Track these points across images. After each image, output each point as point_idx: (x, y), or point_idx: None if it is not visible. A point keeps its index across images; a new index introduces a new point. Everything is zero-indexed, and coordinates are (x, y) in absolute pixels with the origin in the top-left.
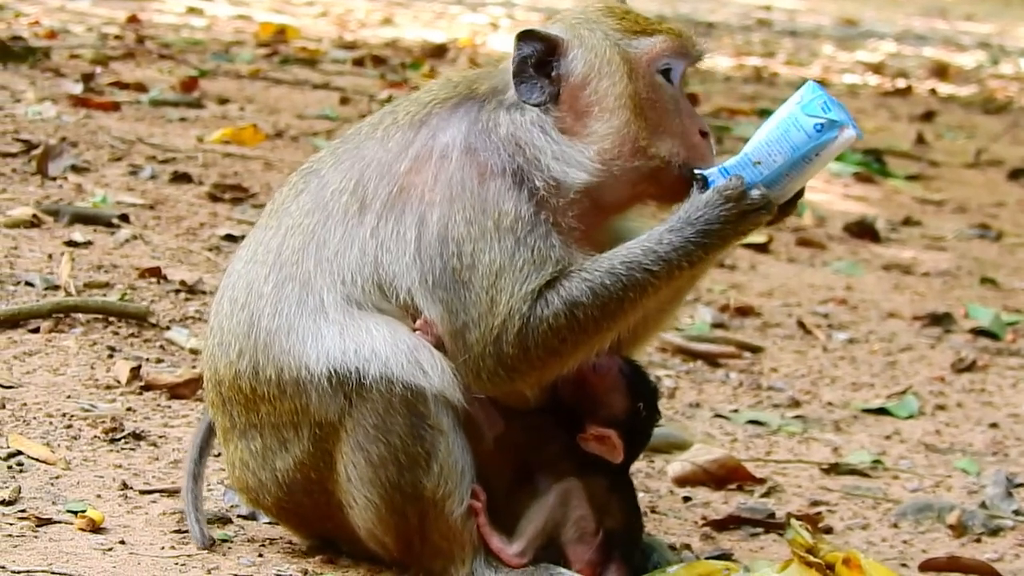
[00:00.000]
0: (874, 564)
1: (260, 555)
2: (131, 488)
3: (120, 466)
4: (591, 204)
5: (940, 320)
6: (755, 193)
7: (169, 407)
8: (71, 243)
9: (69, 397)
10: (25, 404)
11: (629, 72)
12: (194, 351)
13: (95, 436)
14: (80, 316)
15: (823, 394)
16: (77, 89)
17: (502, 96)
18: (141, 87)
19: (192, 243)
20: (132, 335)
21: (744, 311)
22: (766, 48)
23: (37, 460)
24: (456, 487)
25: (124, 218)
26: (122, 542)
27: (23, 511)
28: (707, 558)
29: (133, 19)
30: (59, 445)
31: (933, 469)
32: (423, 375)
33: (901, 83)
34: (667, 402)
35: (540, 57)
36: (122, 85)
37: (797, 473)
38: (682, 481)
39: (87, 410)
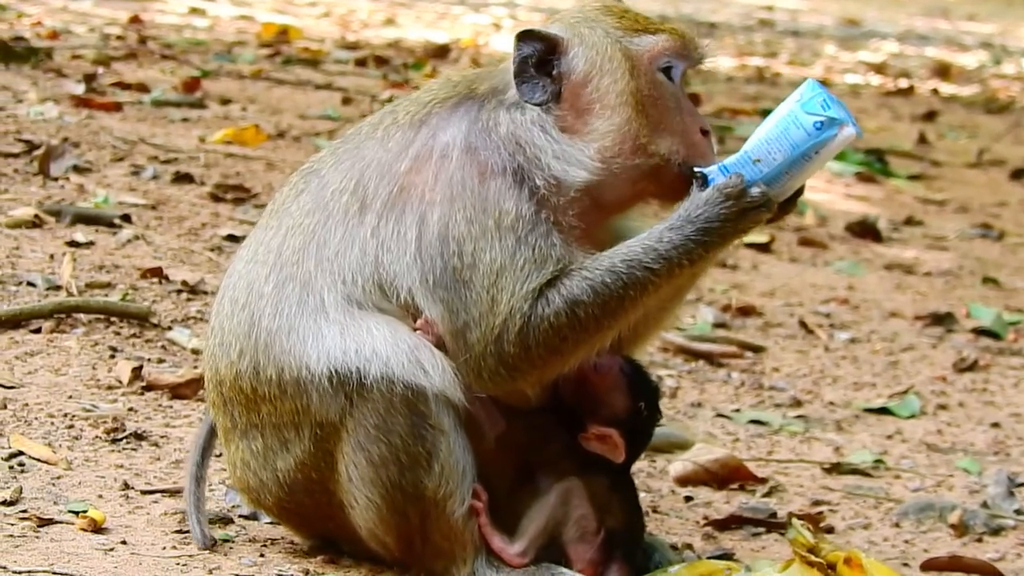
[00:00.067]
0: (875, 564)
1: (261, 555)
2: (132, 488)
3: (121, 466)
4: (591, 203)
5: (942, 320)
6: (755, 191)
7: (171, 407)
8: (73, 243)
9: (71, 397)
10: (27, 404)
11: (631, 69)
12: (196, 351)
13: (96, 436)
14: (82, 316)
15: (825, 394)
16: (79, 89)
17: (502, 96)
18: (143, 87)
19: (194, 243)
20: (134, 335)
21: (746, 311)
22: (768, 48)
23: (38, 460)
24: (457, 487)
25: (126, 218)
26: (123, 542)
27: (24, 511)
28: (709, 558)
29: (135, 19)
30: (60, 445)
31: (935, 469)
32: (424, 375)
33: (903, 83)
34: (669, 402)
35: (541, 56)
36: (124, 85)
37: (799, 473)
38: (684, 481)
39: (88, 410)
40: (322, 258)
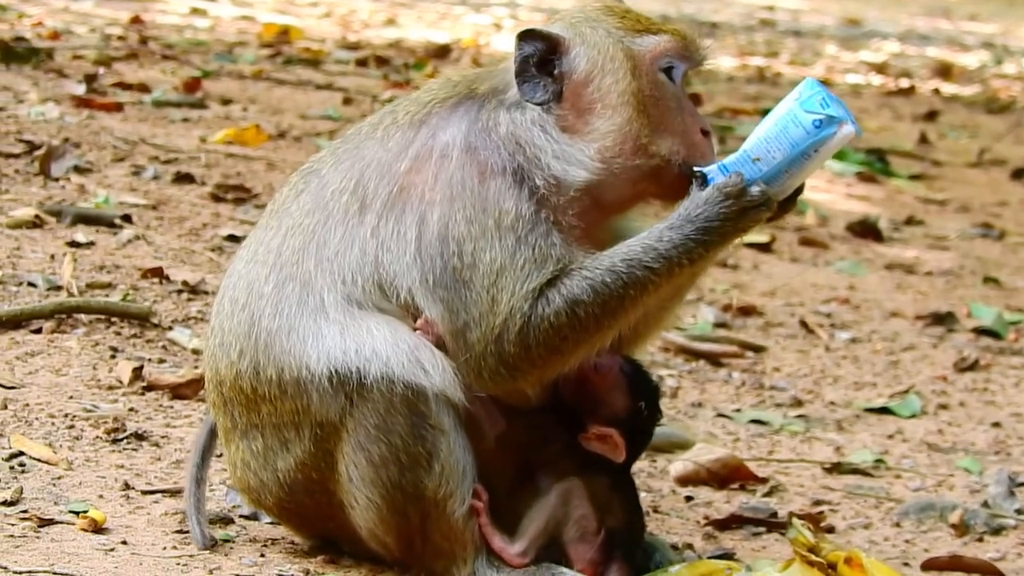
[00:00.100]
0: (876, 563)
1: (262, 555)
2: (133, 488)
3: (122, 466)
4: (591, 202)
5: (943, 319)
6: (755, 190)
7: (171, 407)
8: (73, 244)
9: (71, 397)
10: (27, 405)
11: (632, 69)
12: (196, 351)
13: (97, 436)
14: (82, 316)
15: (825, 393)
16: (80, 90)
17: (502, 95)
18: (144, 88)
19: (195, 243)
20: (134, 335)
21: (747, 311)
22: (769, 48)
23: (39, 460)
24: (457, 487)
25: (127, 219)
26: (124, 542)
27: (25, 511)
28: (709, 557)
29: (136, 20)
30: (61, 445)
31: (935, 468)
32: (424, 374)
33: (904, 83)
34: (669, 401)
35: (542, 56)
36: (125, 86)
37: (799, 472)
38: (684, 480)
39: (89, 410)
40: (322, 258)
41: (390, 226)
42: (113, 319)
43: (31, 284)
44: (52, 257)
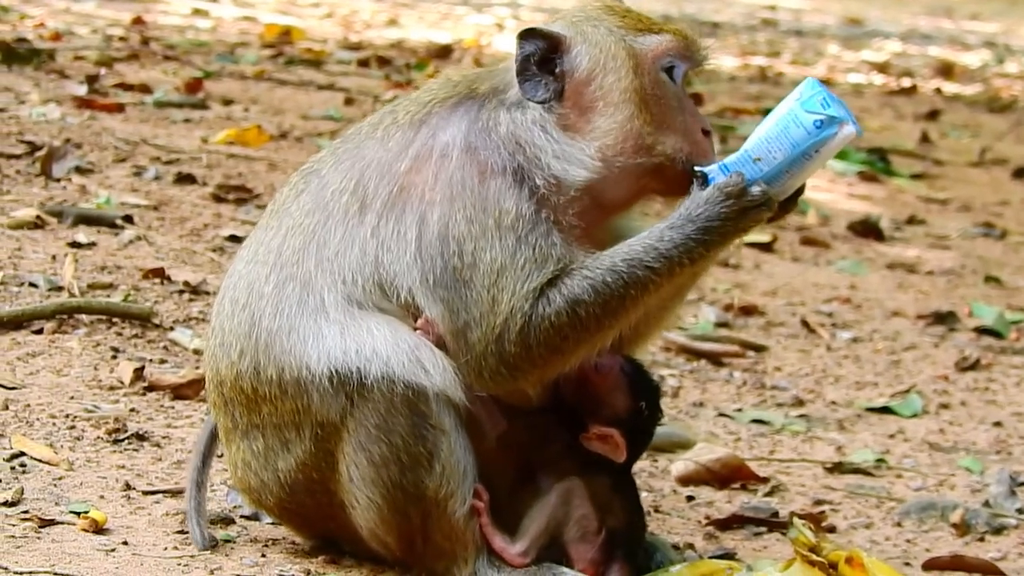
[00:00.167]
0: (877, 563)
1: (263, 555)
2: (134, 489)
3: (123, 467)
4: (592, 202)
5: (944, 319)
6: (755, 190)
7: (172, 408)
8: (75, 244)
9: (72, 398)
10: (28, 405)
11: (634, 68)
12: (197, 352)
13: (98, 437)
14: (84, 317)
15: (827, 393)
16: (81, 90)
17: (502, 95)
18: (145, 88)
19: (196, 244)
20: (136, 336)
21: (748, 310)
22: (771, 48)
23: (40, 461)
24: (458, 487)
25: (128, 219)
26: (125, 543)
27: (26, 512)
28: (710, 557)
29: (138, 20)
30: (62, 446)
31: (937, 468)
32: (425, 374)
33: (906, 82)
34: (671, 401)
35: (543, 54)
36: (126, 86)
37: (800, 472)
38: (685, 480)
39: (90, 411)
40: (322, 258)
41: (390, 226)
42: (114, 319)
43: (32, 285)
44: (53, 258)
